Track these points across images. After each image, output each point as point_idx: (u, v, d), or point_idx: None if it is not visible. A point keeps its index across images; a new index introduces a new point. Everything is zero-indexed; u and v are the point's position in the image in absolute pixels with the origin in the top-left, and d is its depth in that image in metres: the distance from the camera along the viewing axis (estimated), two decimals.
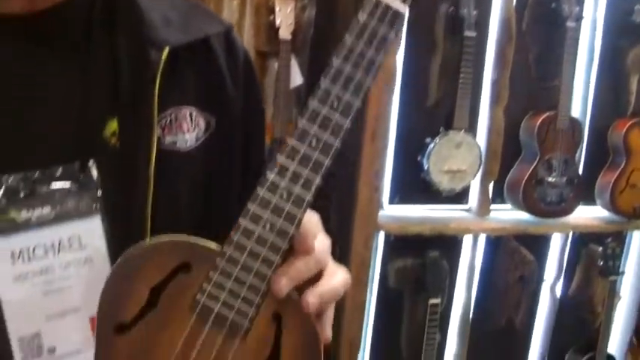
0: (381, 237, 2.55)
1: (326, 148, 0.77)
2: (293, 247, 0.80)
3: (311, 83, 2.44)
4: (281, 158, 0.77)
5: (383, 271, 2.58)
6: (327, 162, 0.77)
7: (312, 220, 0.84)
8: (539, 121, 2.56)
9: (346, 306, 2.49)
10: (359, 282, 2.44)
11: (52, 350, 0.88)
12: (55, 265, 0.87)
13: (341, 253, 2.38)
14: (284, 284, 0.78)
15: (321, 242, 0.85)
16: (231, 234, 0.77)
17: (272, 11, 2.34)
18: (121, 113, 0.90)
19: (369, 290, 2.56)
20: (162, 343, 0.78)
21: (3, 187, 0.86)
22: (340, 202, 2.37)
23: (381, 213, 2.48)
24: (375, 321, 2.64)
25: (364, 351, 2.64)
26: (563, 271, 2.90)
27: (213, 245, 0.79)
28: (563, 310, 2.93)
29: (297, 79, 2.38)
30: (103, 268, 0.88)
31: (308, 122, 0.77)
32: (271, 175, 0.77)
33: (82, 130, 0.89)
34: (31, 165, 0.86)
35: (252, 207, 0.77)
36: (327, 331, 0.83)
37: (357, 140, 2.34)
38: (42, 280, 0.87)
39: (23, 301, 0.87)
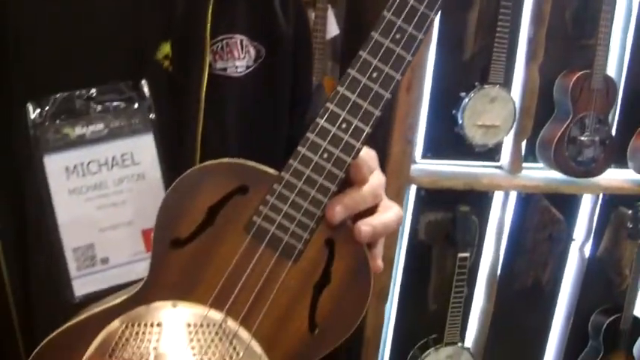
0: (412, 190, 2.57)
1: (386, 81, 0.79)
2: (349, 178, 0.82)
3: (347, 35, 2.45)
4: (341, 89, 0.79)
5: (413, 224, 2.61)
6: (387, 95, 0.79)
7: (369, 154, 0.87)
8: (574, 79, 2.55)
9: None
10: (389, 234, 2.45)
11: (105, 261, 0.91)
12: (109, 180, 0.91)
13: None
14: (338, 211, 0.80)
15: (377, 177, 0.87)
16: (289, 160, 0.80)
17: None
18: (174, 37, 0.92)
19: (398, 243, 2.59)
20: (217, 260, 0.80)
21: (57, 104, 0.89)
22: None
23: (413, 167, 2.50)
24: (403, 273, 2.66)
25: (392, 302, 2.67)
26: (592, 232, 2.90)
27: (270, 170, 0.81)
28: (591, 271, 2.93)
29: (333, 29, 2.39)
30: (155, 183, 0.92)
31: (369, 54, 0.78)
32: (331, 106, 0.79)
33: (135, 52, 0.92)
34: (85, 83, 0.89)
35: (311, 136, 0.79)
36: (377, 262, 0.86)
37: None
38: (96, 194, 0.91)
39: (77, 214, 0.90)
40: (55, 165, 0.89)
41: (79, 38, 0.90)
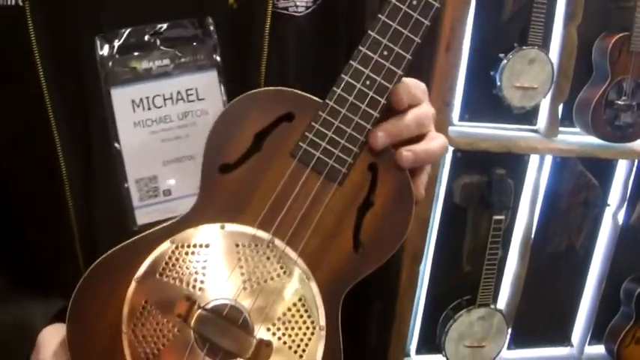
0: (449, 152, 2.57)
1: (426, 9, 0.82)
2: (392, 106, 0.85)
3: None
4: (382, 16, 0.82)
5: (449, 186, 2.61)
6: (426, 23, 0.82)
7: (419, 86, 0.89)
8: (612, 41, 2.53)
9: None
10: (425, 196, 2.47)
11: (167, 193, 0.94)
12: (173, 115, 0.93)
13: None
14: (380, 137, 0.83)
15: (424, 108, 0.89)
16: (333, 87, 0.83)
17: None
18: None
19: (434, 204, 2.60)
20: (263, 184, 0.84)
21: (123, 38, 0.92)
22: None
23: (450, 129, 2.50)
24: (438, 235, 2.68)
25: (425, 264, 2.69)
26: (627, 199, 2.90)
27: (315, 98, 0.85)
28: (624, 237, 2.92)
29: None
30: None
31: None
32: (373, 33, 0.82)
33: None
34: (152, 19, 0.92)
35: (353, 63, 0.83)
36: (420, 190, 0.89)
37: (431, 53, 2.36)
38: (160, 127, 0.94)
39: (142, 146, 0.93)
40: (121, 98, 0.92)
41: None
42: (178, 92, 0.93)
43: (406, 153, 0.85)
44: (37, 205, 0.97)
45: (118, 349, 0.80)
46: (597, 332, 3.03)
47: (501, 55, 2.47)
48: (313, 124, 0.83)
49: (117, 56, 0.91)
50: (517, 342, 2.93)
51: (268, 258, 0.83)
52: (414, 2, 0.82)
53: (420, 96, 0.89)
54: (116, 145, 0.92)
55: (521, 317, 2.86)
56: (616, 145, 2.68)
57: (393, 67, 0.83)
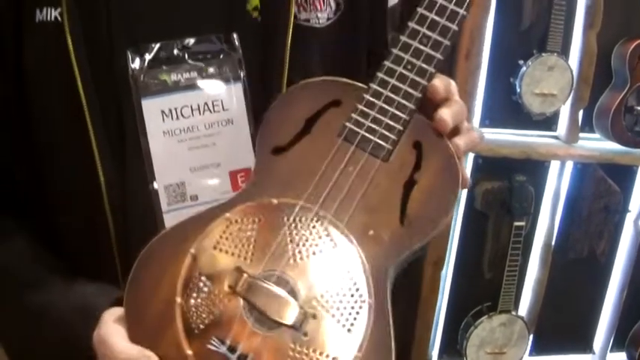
0: (469, 159, 2.59)
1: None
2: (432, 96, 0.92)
3: (405, 6, 2.47)
4: (420, 9, 0.91)
5: (470, 192, 2.63)
6: (462, 12, 0.91)
7: (451, 82, 0.95)
8: (632, 47, 2.54)
9: None
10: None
11: (194, 198, 0.99)
12: (200, 124, 0.98)
13: None
14: (447, 119, 0.90)
15: (462, 102, 0.95)
16: (376, 73, 0.91)
17: None
18: None
19: (455, 211, 2.61)
20: (312, 163, 0.90)
21: (154, 52, 0.96)
22: None
23: None
24: (459, 241, 2.69)
25: (447, 270, 2.71)
26: None
27: (360, 84, 0.93)
28: None
29: None
30: (242, 128, 0.99)
31: None
32: (412, 24, 0.91)
33: (227, 4, 0.99)
34: (181, 33, 0.96)
35: (395, 51, 0.91)
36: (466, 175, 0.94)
37: (450, 60, 2.38)
38: (188, 136, 0.98)
39: (170, 154, 0.98)
40: (152, 108, 0.97)
41: None
42: (205, 103, 0.98)
43: (458, 141, 0.92)
44: (76, 213, 1.01)
45: (171, 318, 0.83)
46: (619, 339, 3.02)
47: (521, 62, 2.49)
48: (358, 105, 0.90)
49: (148, 69, 0.96)
50: (538, 349, 2.93)
51: (316, 231, 0.87)
52: None
53: (454, 90, 0.95)
54: (147, 153, 0.96)
55: (542, 324, 2.87)
56: (636, 151, 2.68)
57: (432, 52, 0.90)
